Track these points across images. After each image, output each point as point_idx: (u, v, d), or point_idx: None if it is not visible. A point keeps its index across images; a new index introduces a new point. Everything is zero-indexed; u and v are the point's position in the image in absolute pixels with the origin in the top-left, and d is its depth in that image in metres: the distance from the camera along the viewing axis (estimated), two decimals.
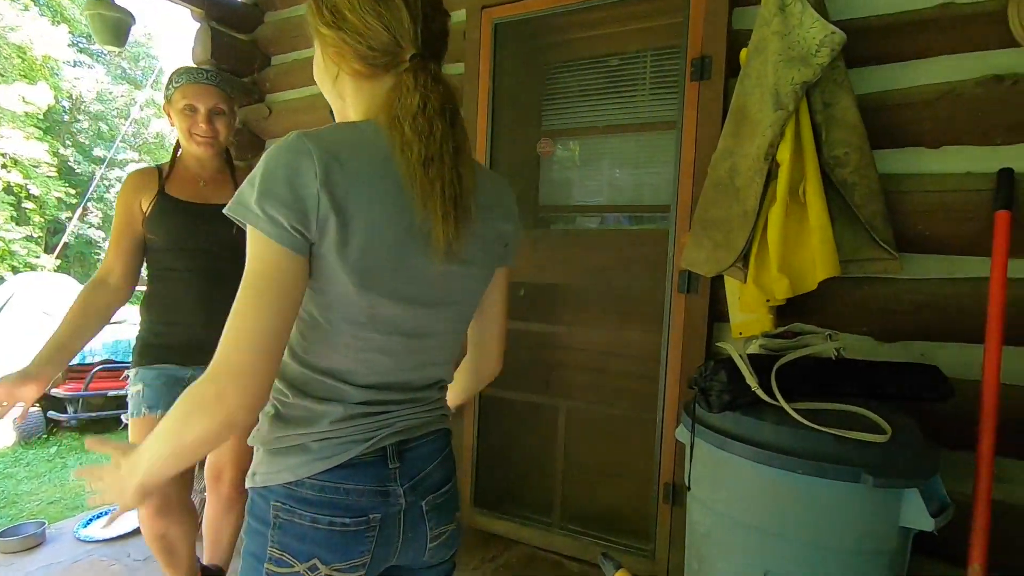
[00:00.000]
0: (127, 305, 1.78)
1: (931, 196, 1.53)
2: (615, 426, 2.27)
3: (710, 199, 1.63)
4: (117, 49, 2.54)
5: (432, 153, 0.70)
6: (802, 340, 1.37)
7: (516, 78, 2.34)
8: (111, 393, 4.61)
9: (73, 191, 14.24)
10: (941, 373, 1.31)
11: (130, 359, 1.62)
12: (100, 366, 4.61)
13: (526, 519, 2.18)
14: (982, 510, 1.31)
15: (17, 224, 12.92)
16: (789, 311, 1.62)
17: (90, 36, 13.69)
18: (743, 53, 1.61)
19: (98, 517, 2.47)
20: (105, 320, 1.51)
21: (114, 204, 1.67)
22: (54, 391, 4.49)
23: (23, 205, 13.31)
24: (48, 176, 13.63)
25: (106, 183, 15.71)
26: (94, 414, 4.63)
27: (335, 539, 0.73)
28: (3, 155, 12.49)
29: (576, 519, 2.16)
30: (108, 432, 4.67)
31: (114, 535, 2.28)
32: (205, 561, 1.75)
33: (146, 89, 16.43)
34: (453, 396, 1.08)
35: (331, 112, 0.84)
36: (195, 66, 1.60)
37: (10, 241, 12.56)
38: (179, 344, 1.55)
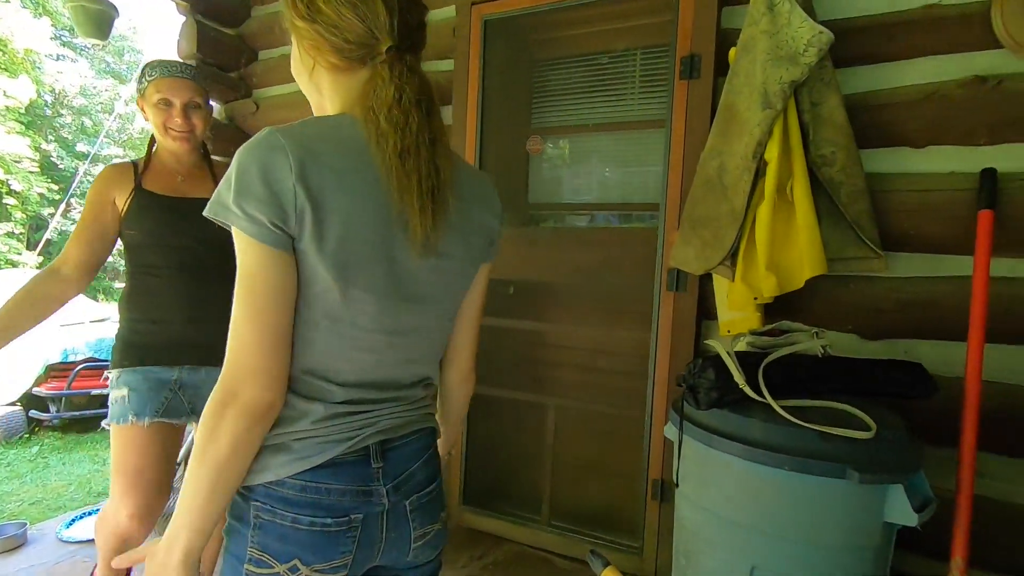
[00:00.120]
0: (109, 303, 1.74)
1: (916, 195, 1.55)
2: (604, 424, 2.27)
3: (698, 197, 1.64)
4: (100, 42, 2.50)
5: (408, 145, 0.70)
6: (789, 338, 1.38)
7: (506, 75, 2.33)
8: (94, 392, 4.54)
9: (56, 187, 14.00)
10: (925, 370, 1.33)
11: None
12: (83, 364, 4.54)
13: (515, 517, 2.18)
14: (964, 505, 1.33)
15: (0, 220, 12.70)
16: (776, 309, 1.63)
17: (73, 29, 13.48)
18: (732, 52, 1.62)
19: (80, 518, 2.44)
20: (48, 310, 1.44)
21: None
22: (36, 390, 4.42)
23: (4, 201, 13.07)
24: (30, 171, 13.39)
25: (89, 179, 15.44)
26: (77, 413, 4.56)
27: (316, 539, 0.72)
28: None
29: (565, 517, 2.16)
30: (90, 432, 4.60)
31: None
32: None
33: (131, 84, 16.18)
34: (442, 439, 1.04)
35: None
36: (169, 59, 1.56)
37: None
38: (163, 343, 1.52)
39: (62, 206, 12.46)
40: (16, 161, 12.99)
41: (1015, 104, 1.45)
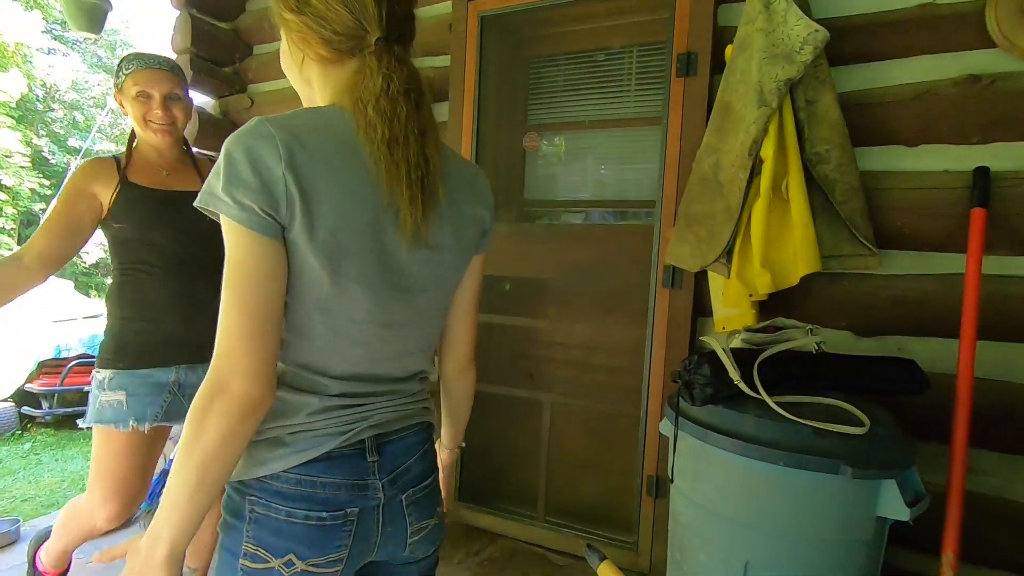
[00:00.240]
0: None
1: (909, 193, 1.56)
2: (599, 420, 2.28)
3: (694, 195, 1.64)
4: (93, 36, 2.48)
5: (396, 135, 0.70)
6: (784, 334, 1.39)
7: (502, 71, 2.33)
8: (87, 388, 4.52)
9: (47, 182, 13.87)
10: (918, 367, 1.34)
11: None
12: (76, 361, 4.52)
13: (511, 513, 2.19)
14: (956, 500, 1.34)
15: None
16: (771, 306, 1.64)
17: (65, 23, 13.33)
18: (728, 50, 1.62)
19: None
20: (1, 297, 1.38)
21: None
22: (28, 386, 4.39)
23: None
24: (21, 166, 13.27)
25: None
26: (69, 409, 4.53)
27: (312, 533, 0.72)
28: None
29: (560, 512, 2.17)
30: (82, 429, 4.58)
31: None
32: (187, 563, 1.71)
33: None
34: (448, 433, 1.07)
35: None
36: (146, 52, 1.54)
37: None
38: (158, 342, 1.49)
39: (53, 201, 12.36)
40: (7, 156, 12.86)
41: (1008, 103, 1.46)
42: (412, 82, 0.73)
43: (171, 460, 0.66)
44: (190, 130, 2.60)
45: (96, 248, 13.29)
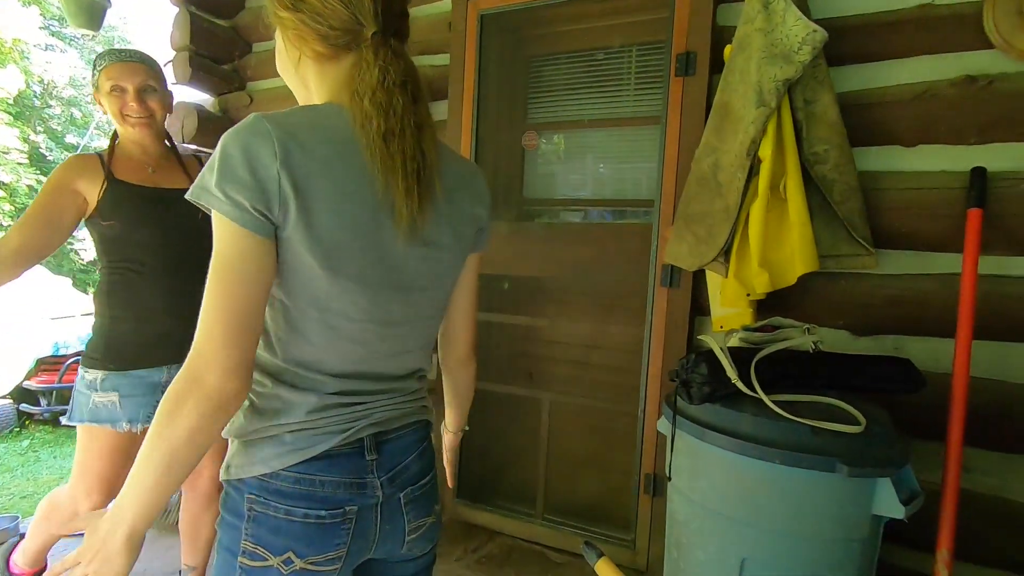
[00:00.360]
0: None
1: (907, 193, 1.57)
2: (597, 418, 2.29)
3: (693, 194, 1.65)
4: (92, 33, 2.47)
5: (392, 127, 0.70)
6: (781, 334, 1.40)
7: (502, 70, 2.33)
8: None
9: (45, 179, 13.84)
10: (913, 366, 1.35)
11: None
12: (74, 358, 4.51)
13: (509, 510, 2.20)
14: (950, 498, 1.35)
15: None
16: (769, 305, 1.65)
17: (62, 19, 13.25)
18: (727, 49, 1.63)
19: None
20: None
21: None
22: (26, 383, 4.39)
23: None
24: (19, 163, 13.22)
25: None
26: (67, 407, 4.54)
27: (311, 532, 0.73)
28: None
29: (558, 510, 2.18)
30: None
31: None
32: (184, 561, 1.71)
33: None
34: (451, 418, 1.08)
35: None
36: (119, 47, 1.53)
37: None
38: (149, 342, 1.48)
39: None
40: (4, 152, 12.81)
41: (1005, 104, 1.47)
42: (409, 75, 0.74)
43: None
44: (189, 128, 2.60)
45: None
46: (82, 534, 2.20)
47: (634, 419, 1.96)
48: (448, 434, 1.14)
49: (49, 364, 4.51)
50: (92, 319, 1.53)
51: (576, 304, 2.36)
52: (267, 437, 0.73)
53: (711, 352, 1.28)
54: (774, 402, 1.16)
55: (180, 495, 1.72)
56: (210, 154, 0.68)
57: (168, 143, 1.61)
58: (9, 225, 13.47)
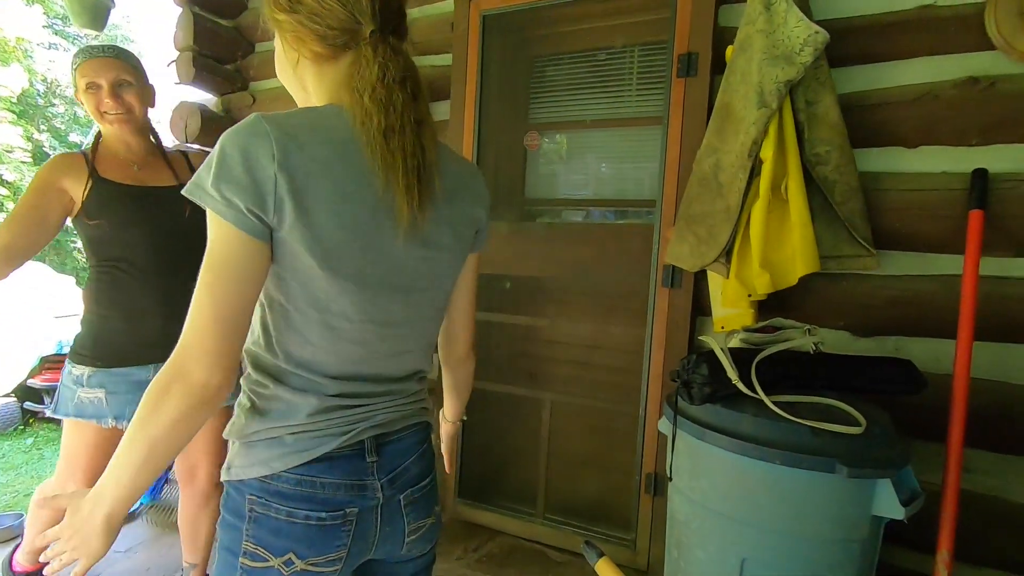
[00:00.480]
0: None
1: (908, 194, 1.57)
2: (598, 418, 2.29)
3: (694, 195, 1.65)
4: (96, 32, 2.48)
5: (392, 123, 0.70)
6: (782, 334, 1.40)
7: (504, 70, 2.33)
8: None
9: None
10: (914, 367, 1.35)
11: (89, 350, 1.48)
12: None
13: (510, 510, 2.20)
14: (951, 499, 1.35)
15: None
16: (770, 306, 1.65)
17: (66, 18, 13.28)
18: (729, 50, 1.63)
19: None
20: None
21: None
22: (30, 381, 4.41)
23: None
24: (22, 161, 13.25)
25: None
26: None
27: (311, 533, 0.73)
28: None
29: (559, 510, 2.18)
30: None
31: None
32: (184, 559, 1.73)
33: None
34: (450, 408, 1.09)
35: None
36: (94, 43, 1.49)
37: None
38: (137, 341, 1.48)
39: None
40: (8, 151, 12.85)
41: (1007, 105, 1.47)
42: (408, 72, 0.74)
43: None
44: (192, 128, 2.60)
45: None
46: None
47: (635, 419, 1.96)
48: (447, 423, 1.15)
49: (53, 362, 4.52)
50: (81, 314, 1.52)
51: (577, 304, 2.36)
52: (268, 439, 0.74)
53: (712, 353, 1.28)
54: (775, 403, 1.17)
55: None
56: (206, 152, 0.69)
57: (153, 139, 1.58)
58: None
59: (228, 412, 1.70)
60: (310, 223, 0.67)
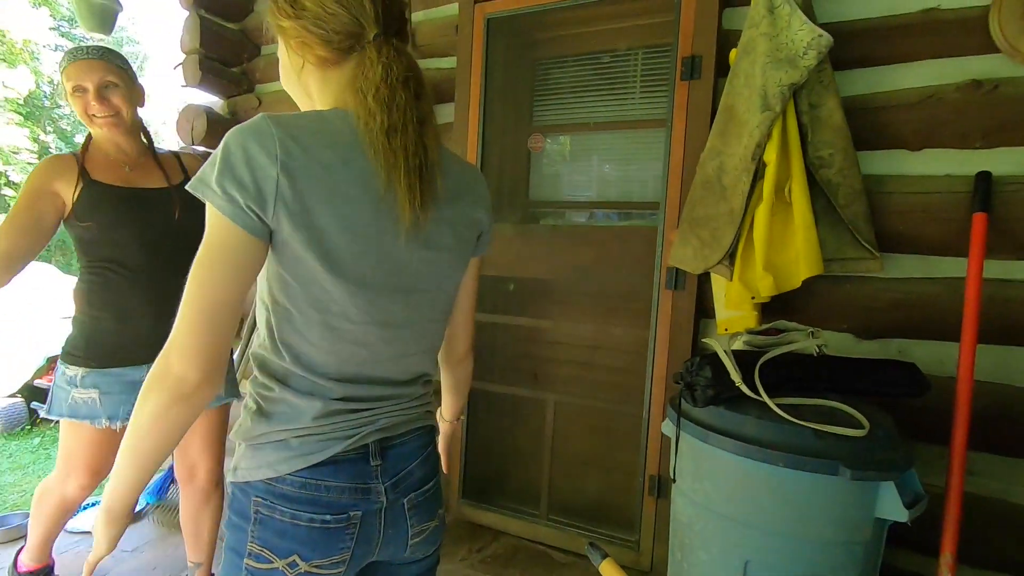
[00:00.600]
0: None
1: (912, 197, 1.57)
2: (602, 420, 2.30)
3: (698, 197, 1.66)
4: (103, 36, 2.50)
5: (395, 122, 0.71)
6: (785, 337, 1.40)
7: (508, 73, 2.34)
8: None
9: None
10: (918, 370, 1.35)
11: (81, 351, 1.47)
12: None
13: (513, 511, 2.21)
14: (954, 502, 1.35)
15: None
16: (773, 308, 1.66)
17: (72, 20, 13.36)
18: (732, 53, 1.63)
19: (84, 509, 2.46)
20: None
21: None
22: (37, 382, 4.44)
23: (3, 192, 13.02)
24: (29, 163, 13.33)
25: None
26: None
27: (315, 536, 0.73)
28: None
29: (563, 511, 2.19)
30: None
31: None
32: (189, 558, 1.73)
33: None
34: (448, 408, 1.10)
35: None
36: (80, 44, 1.46)
37: None
38: (130, 342, 1.48)
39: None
40: (15, 152, 12.93)
41: (1010, 108, 1.47)
42: (411, 71, 0.74)
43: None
44: (198, 130, 2.62)
45: None
46: (81, 531, 2.24)
47: (638, 421, 1.96)
48: (445, 423, 1.15)
49: None
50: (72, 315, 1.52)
51: (581, 306, 2.36)
52: (274, 441, 0.74)
53: (715, 355, 1.28)
54: (778, 405, 1.17)
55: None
56: (207, 153, 0.70)
57: (145, 139, 1.57)
58: None
59: (226, 411, 1.70)
60: (312, 224, 0.68)
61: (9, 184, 13.05)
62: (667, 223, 1.87)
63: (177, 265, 1.48)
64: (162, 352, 0.65)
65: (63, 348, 1.50)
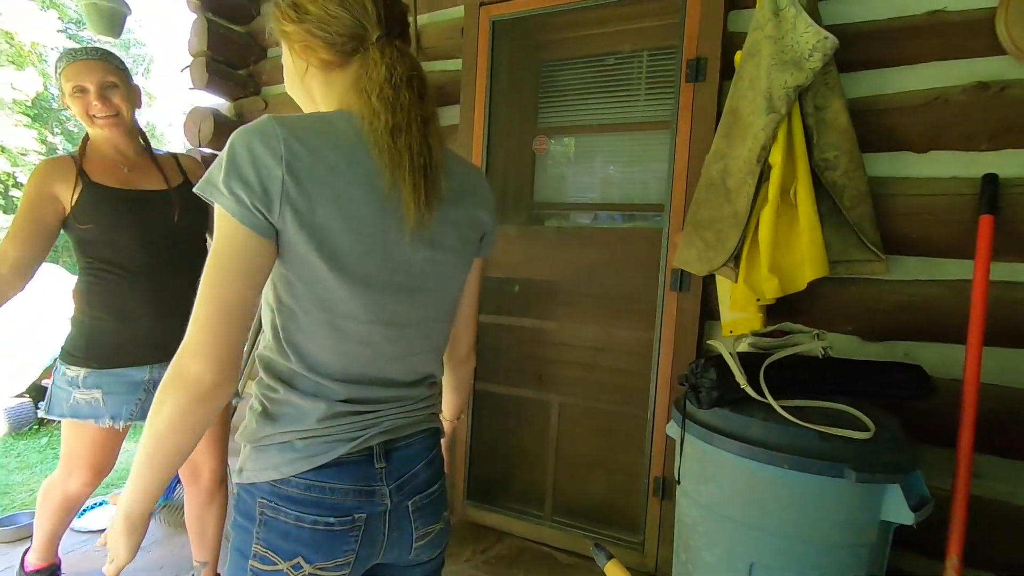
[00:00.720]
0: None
1: (917, 199, 1.57)
2: (607, 421, 2.30)
3: (702, 199, 1.66)
4: (112, 39, 2.52)
5: (399, 122, 0.71)
6: (790, 339, 1.40)
7: (513, 75, 2.35)
8: None
9: None
10: (924, 372, 1.35)
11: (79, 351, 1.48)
12: None
13: (518, 512, 2.21)
14: (960, 505, 1.35)
15: (4, 213, 12.73)
16: (779, 310, 1.66)
17: (80, 23, 13.46)
18: (737, 56, 1.64)
19: (92, 508, 2.48)
20: None
21: None
22: (45, 382, 4.46)
23: (10, 193, 13.12)
24: (36, 165, 13.42)
25: None
26: None
27: (319, 538, 0.73)
28: None
29: (567, 512, 2.19)
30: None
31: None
32: (195, 558, 1.74)
33: (137, 78, 16.16)
34: (449, 407, 1.10)
35: None
36: (77, 46, 1.49)
37: None
38: (131, 343, 1.48)
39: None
40: (23, 154, 13.02)
41: (1017, 111, 1.47)
42: (415, 71, 0.75)
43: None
44: (205, 132, 2.64)
45: None
46: (88, 531, 2.25)
47: (643, 422, 1.97)
48: (445, 422, 1.15)
49: None
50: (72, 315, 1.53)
51: (586, 307, 2.37)
52: (279, 443, 0.74)
53: (720, 357, 1.28)
54: (783, 407, 1.17)
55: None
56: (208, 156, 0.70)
57: (142, 140, 1.58)
58: None
59: (229, 410, 1.69)
60: (316, 224, 0.68)
61: (17, 185, 13.14)
62: (672, 225, 1.87)
63: (176, 267, 1.48)
64: (176, 355, 0.66)
65: (63, 348, 1.51)
